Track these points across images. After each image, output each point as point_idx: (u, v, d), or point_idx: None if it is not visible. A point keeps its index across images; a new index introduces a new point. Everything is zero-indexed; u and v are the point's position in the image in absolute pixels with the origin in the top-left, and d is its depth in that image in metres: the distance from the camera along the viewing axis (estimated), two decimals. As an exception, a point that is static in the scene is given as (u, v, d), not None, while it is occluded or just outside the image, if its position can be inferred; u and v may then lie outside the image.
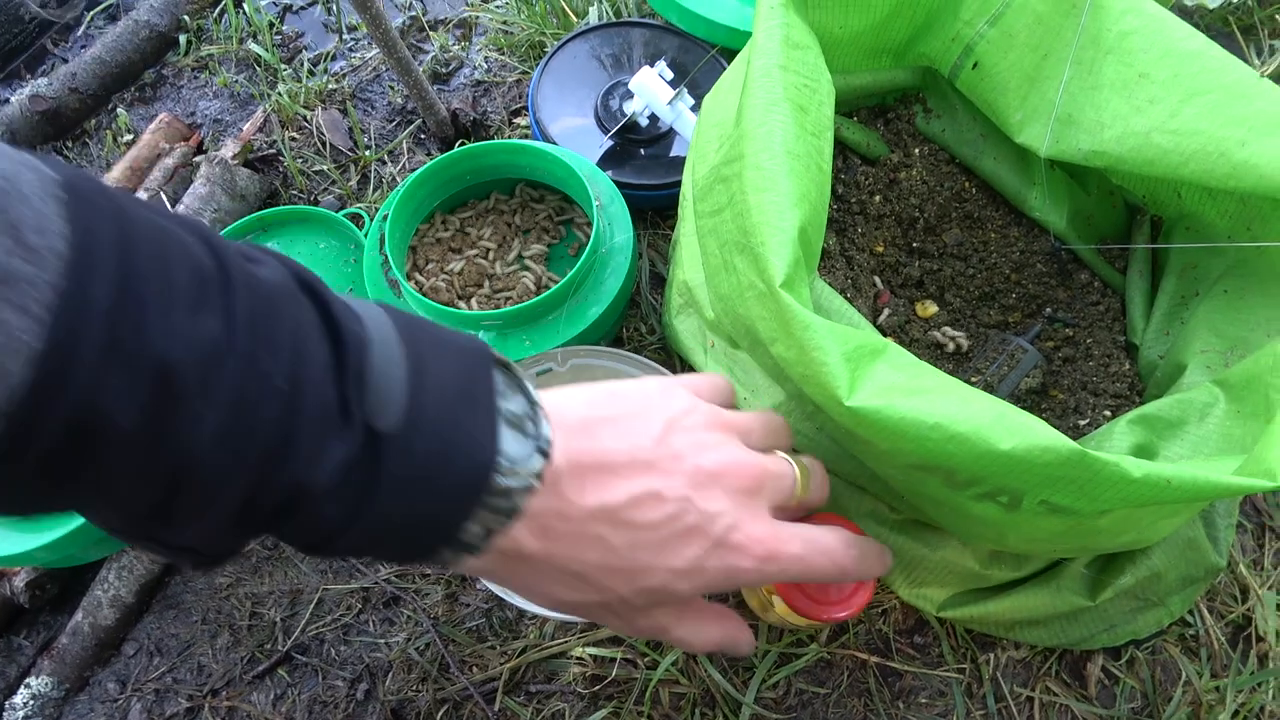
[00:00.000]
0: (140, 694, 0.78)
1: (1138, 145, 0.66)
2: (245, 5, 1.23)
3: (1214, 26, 1.16)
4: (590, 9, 1.14)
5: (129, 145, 1.12)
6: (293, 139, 1.10)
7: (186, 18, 1.24)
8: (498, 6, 1.20)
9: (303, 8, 1.28)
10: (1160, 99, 0.65)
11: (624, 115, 0.96)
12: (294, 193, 1.07)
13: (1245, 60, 1.11)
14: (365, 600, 0.81)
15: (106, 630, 0.79)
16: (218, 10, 1.25)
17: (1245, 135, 0.60)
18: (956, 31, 0.77)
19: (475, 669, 0.76)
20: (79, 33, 1.30)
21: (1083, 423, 0.75)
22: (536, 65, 1.02)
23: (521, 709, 0.75)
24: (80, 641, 0.78)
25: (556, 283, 0.79)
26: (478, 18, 1.22)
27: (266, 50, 1.20)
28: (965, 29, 0.76)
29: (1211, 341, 0.69)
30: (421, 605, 0.79)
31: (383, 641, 0.79)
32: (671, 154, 0.98)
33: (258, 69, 1.19)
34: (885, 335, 0.79)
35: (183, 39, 1.22)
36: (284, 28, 1.25)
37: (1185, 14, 1.14)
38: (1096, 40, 0.69)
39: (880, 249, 0.84)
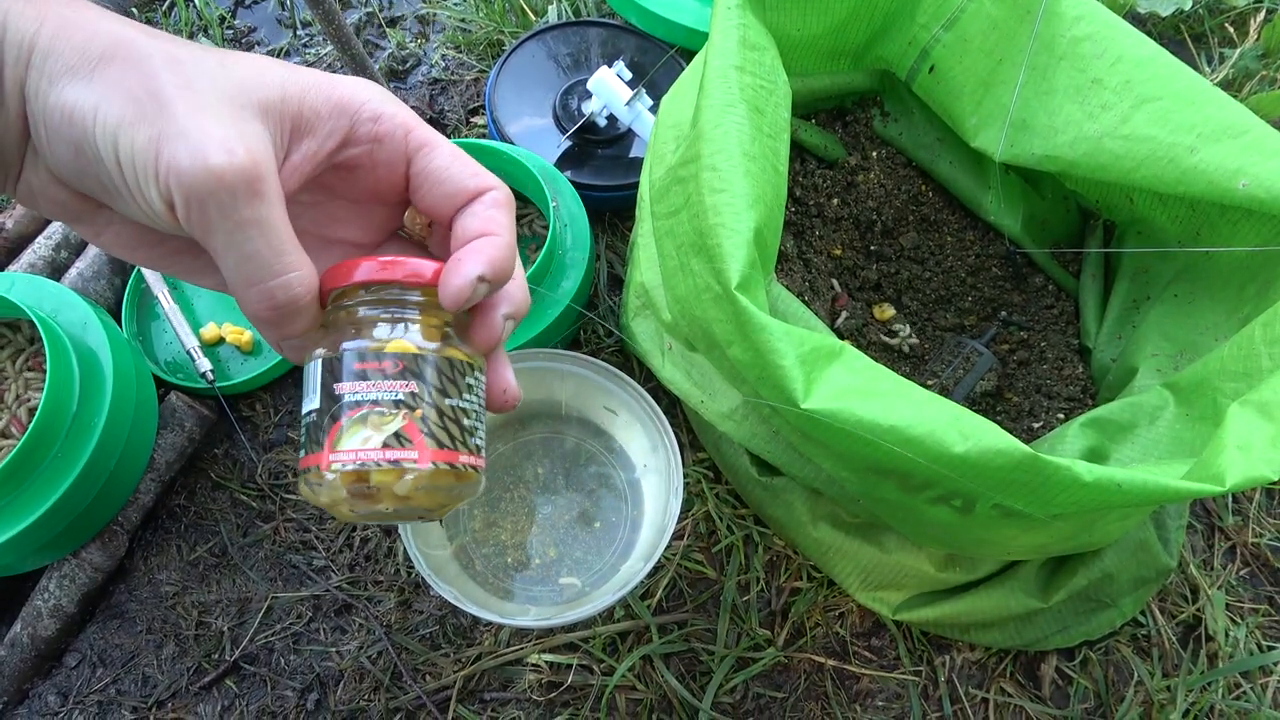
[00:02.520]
0: (82, 706, 0.76)
1: (1090, 150, 0.67)
2: (196, -1, 1.21)
3: (1166, 34, 1.18)
4: (549, 8, 1.13)
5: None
6: (244, 136, 1.08)
7: (134, 10, 1.21)
8: (455, 4, 1.19)
9: (255, 2, 1.25)
10: (1112, 105, 0.66)
11: (582, 115, 0.95)
12: (245, 191, 1.04)
13: (1196, 67, 1.12)
14: (316, 608, 0.79)
15: (47, 641, 0.77)
16: (167, 4, 1.22)
17: (1195, 142, 0.61)
18: (913, 35, 0.77)
19: (429, 677, 0.75)
20: (22, 25, 1.26)
21: (1037, 425, 0.75)
22: (494, 64, 1.01)
23: (476, 717, 0.73)
24: (19, 653, 0.76)
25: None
26: (435, 14, 1.20)
27: (218, 45, 1.17)
28: (921, 33, 0.76)
29: (1162, 345, 0.70)
30: (374, 613, 0.78)
31: (334, 650, 0.77)
32: (630, 155, 0.97)
33: (209, 64, 1.17)
34: (843, 338, 0.79)
35: (131, 33, 1.19)
36: (236, 22, 1.22)
37: (1138, 21, 1.16)
38: (1050, 46, 0.69)
39: (838, 252, 0.84)
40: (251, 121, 0.29)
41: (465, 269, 0.32)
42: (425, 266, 0.33)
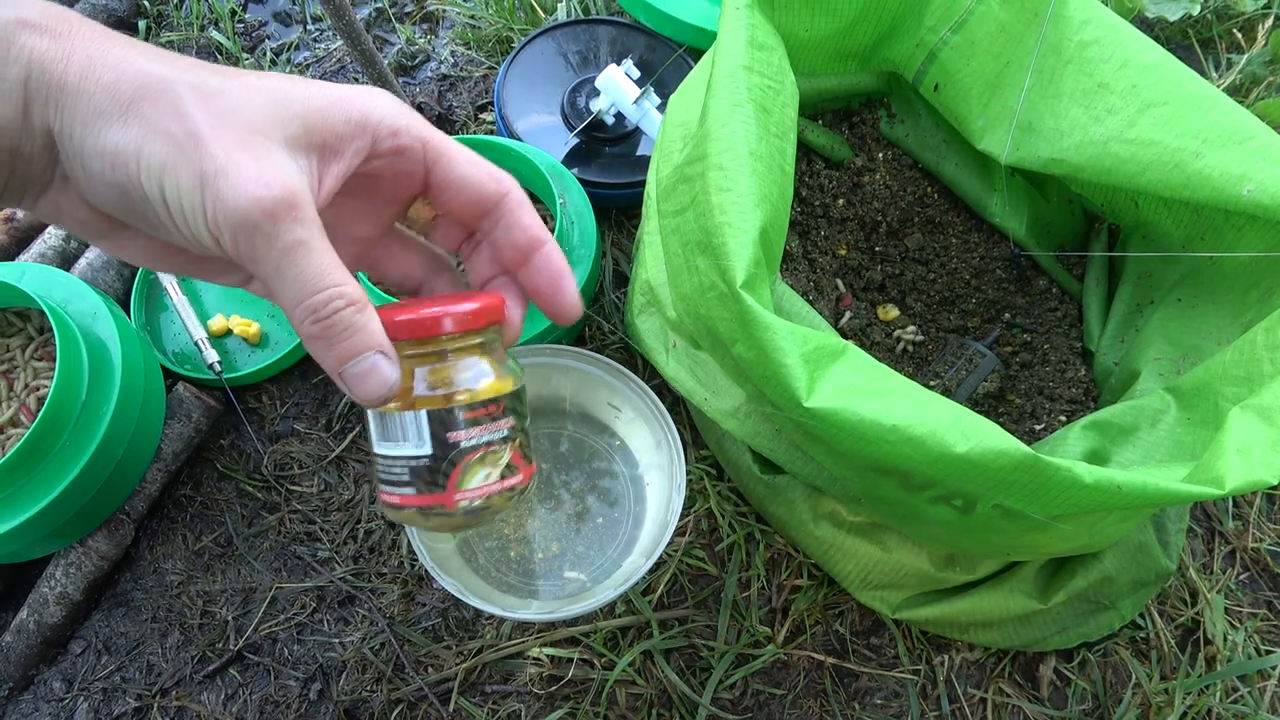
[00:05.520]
0: (87, 693, 0.77)
1: (1096, 154, 0.67)
2: (207, -8, 1.21)
3: (1173, 39, 1.18)
4: (559, 5, 1.14)
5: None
6: (254, 129, 1.08)
7: (146, 3, 1.21)
8: (465, 0, 1.19)
9: (266, -4, 1.26)
10: (1118, 109, 0.66)
11: (590, 113, 0.95)
12: (254, 184, 1.05)
13: (1203, 73, 1.13)
14: (320, 599, 0.80)
15: (53, 628, 0.77)
16: (179, -3, 1.23)
17: (1200, 147, 0.61)
18: (921, 37, 0.77)
19: (430, 669, 0.76)
20: (34, 16, 1.27)
21: (1038, 427, 0.76)
22: (503, 60, 1.01)
23: (477, 710, 0.74)
24: (25, 640, 0.76)
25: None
26: (445, 10, 1.21)
27: (228, 38, 1.18)
28: (929, 35, 0.76)
29: (1165, 349, 0.70)
30: (377, 604, 0.78)
31: (337, 641, 0.78)
32: (637, 153, 0.97)
33: (219, 57, 1.17)
34: (847, 338, 0.79)
35: (141, 25, 1.20)
36: (246, 16, 1.23)
37: (1146, 26, 1.16)
38: (1057, 50, 0.70)
39: (843, 252, 0.85)
40: (282, 153, 0.30)
41: (570, 292, 0.37)
42: (497, 302, 0.36)
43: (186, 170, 0.28)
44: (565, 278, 0.37)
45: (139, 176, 0.28)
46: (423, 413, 0.34)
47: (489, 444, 0.35)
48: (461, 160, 0.35)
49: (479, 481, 0.35)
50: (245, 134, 0.29)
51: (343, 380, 0.32)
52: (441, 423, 0.34)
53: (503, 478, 0.36)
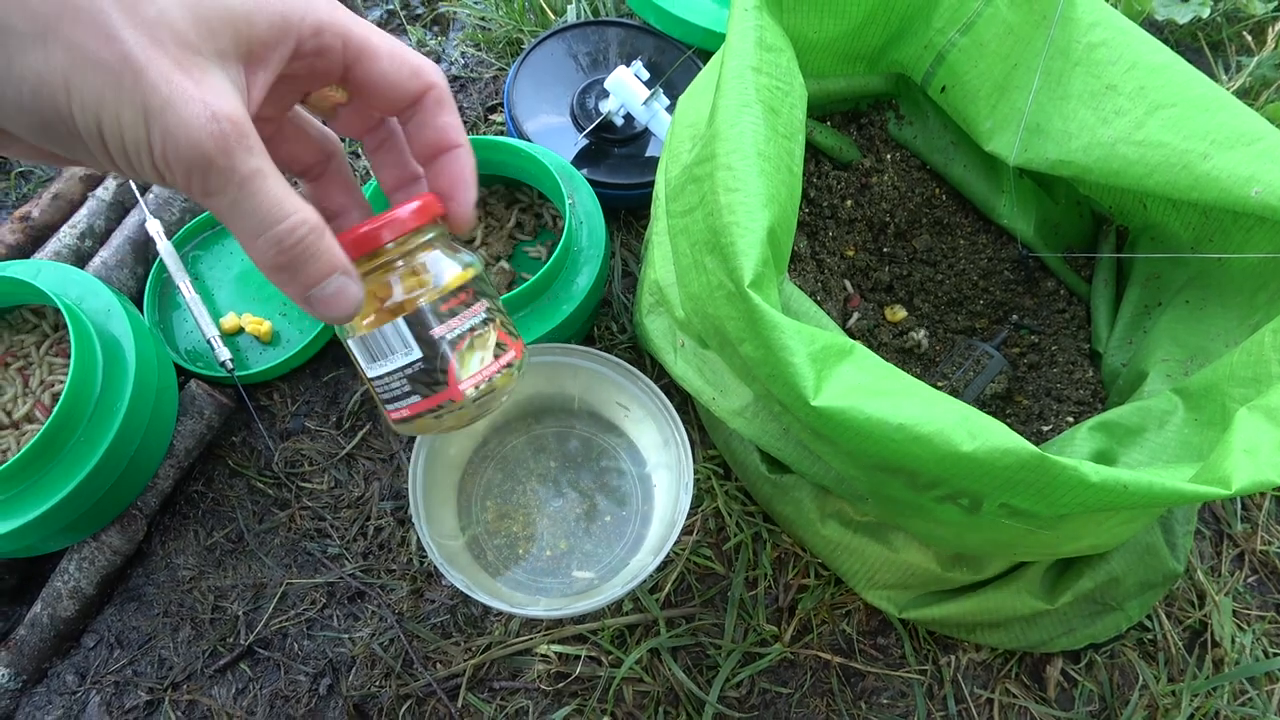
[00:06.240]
0: (99, 686, 0.77)
1: (1104, 156, 0.67)
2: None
3: (1183, 41, 1.18)
4: (568, 7, 1.14)
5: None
6: (266, 130, 1.09)
7: None
8: (475, 2, 1.20)
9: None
10: (1126, 111, 0.66)
11: (599, 114, 0.96)
12: (266, 184, 1.05)
13: (1212, 75, 1.13)
14: (330, 595, 0.80)
15: (66, 622, 0.78)
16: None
17: (1208, 149, 0.61)
18: (929, 39, 0.77)
19: (439, 665, 0.76)
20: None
21: (1046, 428, 0.76)
22: (513, 62, 1.02)
23: (485, 705, 0.74)
24: (39, 633, 0.77)
25: (527, 280, 0.79)
26: (455, 12, 1.21)
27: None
28: (937, 37, 0.77)
29: (1172, 350, 0.70)
30: (386, 601, 0.79)
31: (346, 636, 0.78)
32: (646, 154, 0.98)
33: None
34: (854, 339, 0.79)
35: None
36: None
37: (1155, 28, 1.16)
38: (1065, 52, 0.70)
39: (851, 253, 0.85)
40: (218, 72, 0.29)
41: (465, 200, 0.36)
42: (432, 197, 0.36)
43: (128, 104, 0.26)
44: (465, 185, 0.37)
45: (69, 109, 0.27)
46: (400, 320, 0.35)
47: (472, 329, 0.36)
48: (384, 57, 0.34)
49: (476, 366, 0.36)
50: (180, 52, 0.27)
51: (310, 304, 0.32)
52: (422, 324, 0.35)
53: (496, 356, 0.37)
